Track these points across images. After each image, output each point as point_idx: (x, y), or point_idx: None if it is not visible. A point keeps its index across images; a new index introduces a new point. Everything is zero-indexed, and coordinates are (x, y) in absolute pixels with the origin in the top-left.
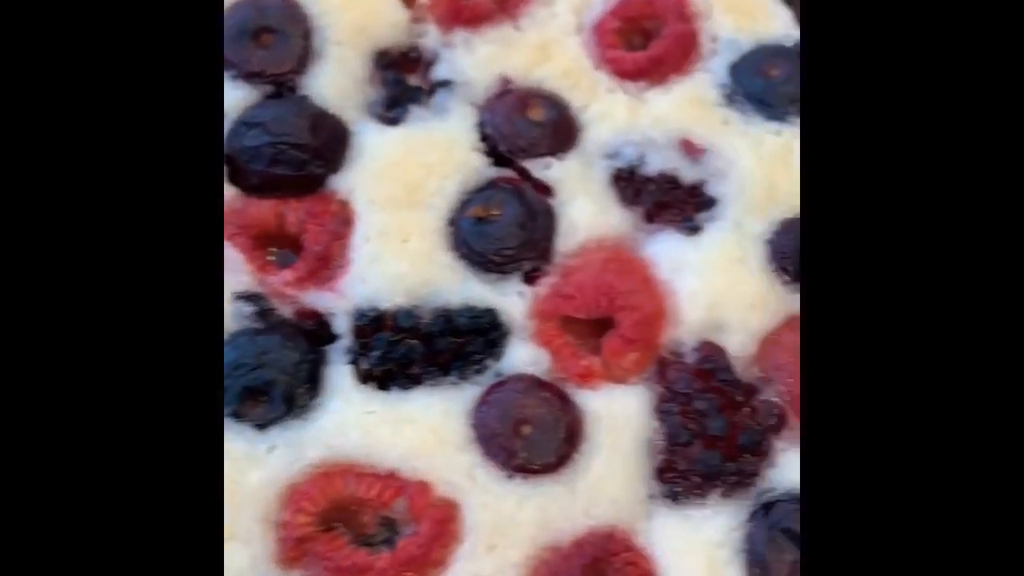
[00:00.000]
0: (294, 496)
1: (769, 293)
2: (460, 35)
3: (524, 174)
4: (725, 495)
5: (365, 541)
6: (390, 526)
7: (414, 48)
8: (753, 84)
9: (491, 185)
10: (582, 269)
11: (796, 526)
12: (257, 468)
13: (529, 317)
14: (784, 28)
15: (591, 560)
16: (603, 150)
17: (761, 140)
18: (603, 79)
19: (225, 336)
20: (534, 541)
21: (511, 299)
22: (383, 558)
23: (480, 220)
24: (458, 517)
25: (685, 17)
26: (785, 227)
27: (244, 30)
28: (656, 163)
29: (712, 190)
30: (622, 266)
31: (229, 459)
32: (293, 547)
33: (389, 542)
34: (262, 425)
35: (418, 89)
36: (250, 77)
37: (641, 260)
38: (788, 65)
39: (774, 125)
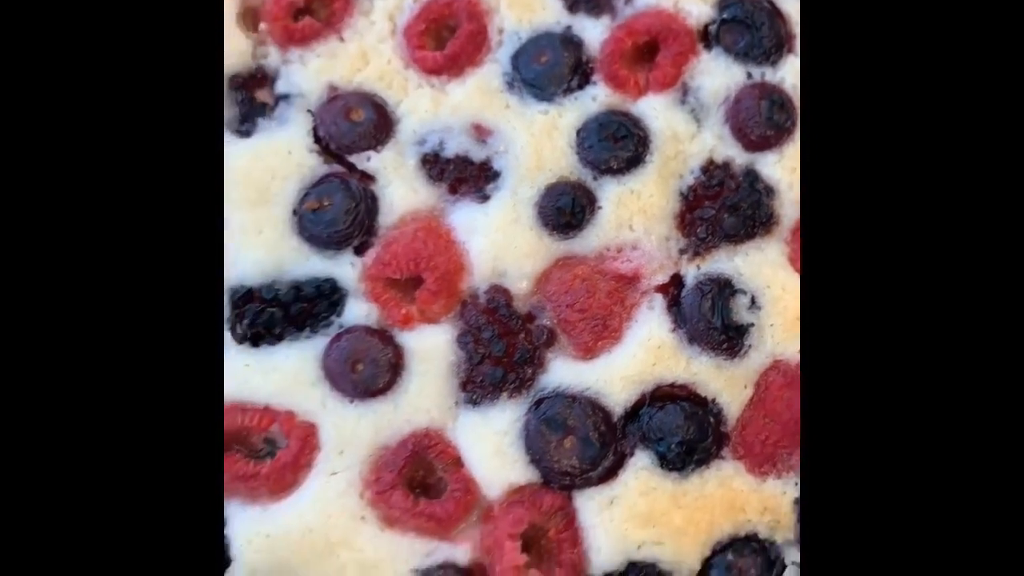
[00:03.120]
0: None
1: (538, 244)
2: (295, 52)
3: (350, 167)
4: (511, 396)
5: (254, 455)
6: (270, 443)
7: (259, 69)
8: (528, 72)
9: (324, 179)
10: (398, 240)
11: (559, 414)
12: None
13: (360, 281)
14: (555, 15)
15: (412, 452)
16: (413, 139)
17: (533, 119)
18: (413, 76)
19: None
20: (371, 444)
21: (346, 268)
22: (266, 466)
23: (316, 210)
24: (316, 433)
25: (475, 16)
26: (549, 191)
27: None
28: (454, 147)
29: (496, 165)
30: (428, 235)
31: None
32: None
33: (271, 454)
34: None
35: (264, 104)
36: None
37: (445, 227)
38: (555, 52)
39: (543, 106)
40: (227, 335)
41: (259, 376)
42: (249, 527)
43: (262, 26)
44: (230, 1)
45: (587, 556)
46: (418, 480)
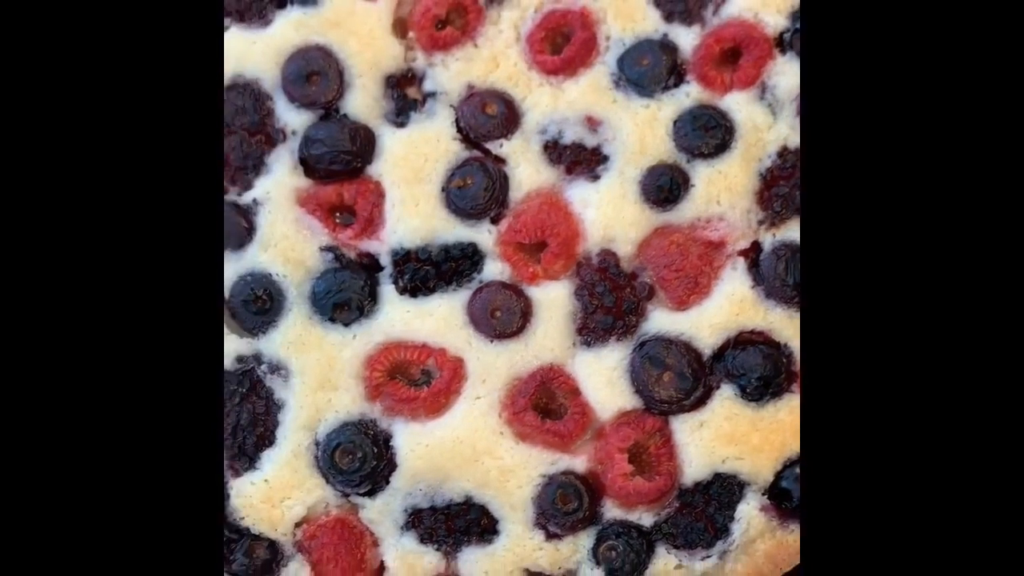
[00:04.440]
0: (370, 362)
1: (641, 215)
2: (438, 57)
3: (486, 152)
4: (618, 339)
5: (414, 383)
6: (427, 374)
7: (409, 70)
8: (632, 72)
9: (466, 162)
10: (526, 212)
11: (659, 354)
12: (348, 348)
13: (496, 245)
14: (654, 25)
15: (540, 382)
16: (536, 129)
17: (636, 112)
18: (535, 76)
19: (316, 273)
20: (508, 376)
21: (484, 235)
22: (424, 391)
23: (460, 187)
24: (463, 366)
25: (587, 25)
26: (650, 171)
27: (299, 74)
28: (570, 135)
29: (606, 150)
30: (551, 208)
31: (331, 344)
32: (373, 390)
33: (427, 383)
34: (347, 324)
35: (415, 100)
36: (307, 105)
37: (564, 201)
38: (654, 56)
39: (644, 100)
40: (390, 287)
41: (417, 320)
42: (411, 439)
43: (410, 34)
44: (385, 13)
45: (681, 468)
46: (544, 405)
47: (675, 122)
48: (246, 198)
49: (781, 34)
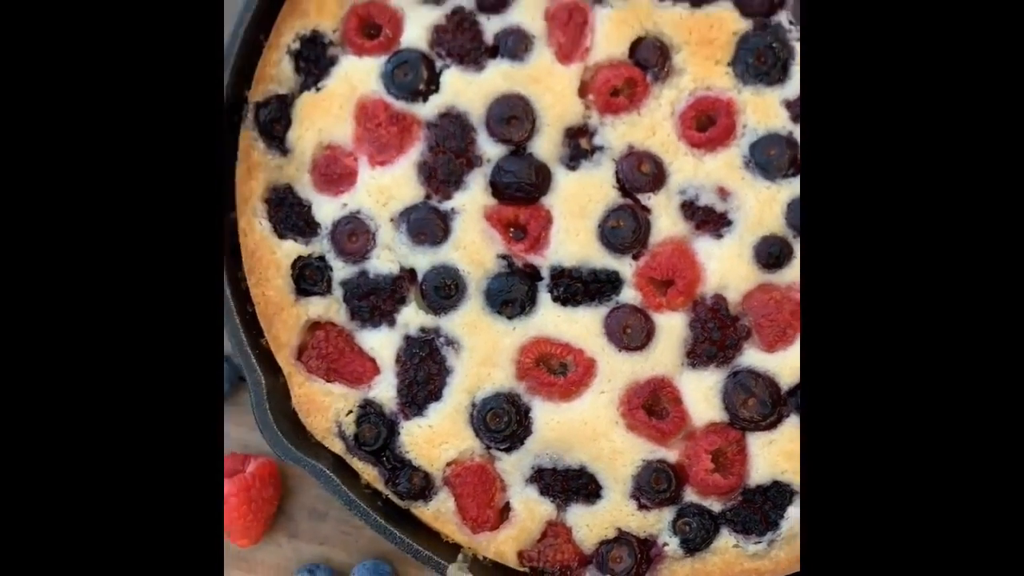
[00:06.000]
0: (523, 350)
1: (751, 273)
2: (608, 118)
3: (637, 201)
4: (717, 366)
5: (553, 372)
6: (565, 367)
7: (584, 126)
8: (760, 158)
9: (620, 207)
10: (660, 254)
11: (748, 383)
12: (508, 337)
13: (633, 276)
14: (783, 123)
15: (652, 388)
16: (677, 189)
17: (759, 191)
18: (682, 147)
19: (492, 275)
20: (628, 380)
21: (625, 267)
22: (561, 380)
23: (613, 227)
24: (595, 366)
25: (730, 113)
26: (763, 239)
27: (502, 116)
28: (704, 200)
29: (731, 216)
30: (680, 254)
31: (496, 331)
32: (522, 372)
33: (564, 373)
34: (510, 317)
35: (586, 150)
36: (503, 141)
37: (691, 251)
38: (780, 148)
39: (767, 183)
40: (547, 295)
41: (564, 324)
42: (546, 415)
43: (590, 96)
44: (575, 76)
45: (749, 472)
46: (651, 406)
47: (789, 204)
48: (445, 206)
49: None
